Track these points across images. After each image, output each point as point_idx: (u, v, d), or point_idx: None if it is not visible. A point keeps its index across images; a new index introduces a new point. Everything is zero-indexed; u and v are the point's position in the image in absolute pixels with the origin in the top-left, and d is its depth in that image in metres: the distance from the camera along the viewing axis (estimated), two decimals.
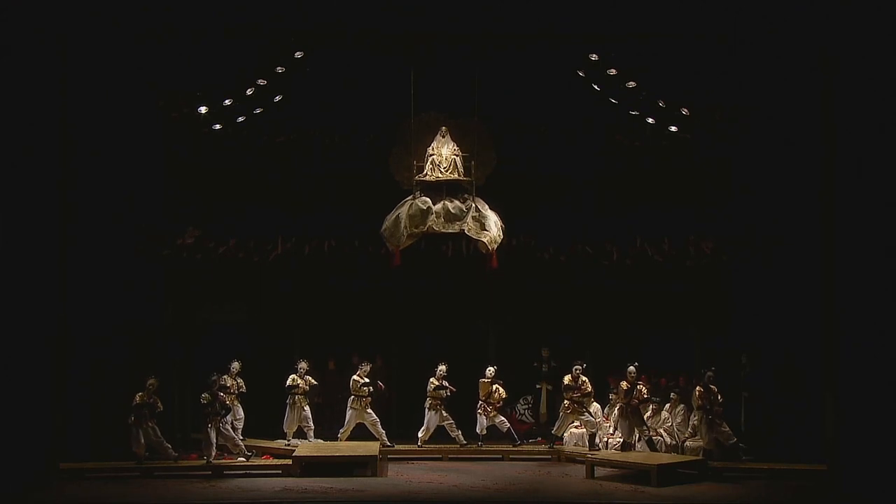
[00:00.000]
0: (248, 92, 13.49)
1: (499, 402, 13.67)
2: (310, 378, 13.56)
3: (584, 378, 13.28)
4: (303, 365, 13.51)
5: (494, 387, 13.61)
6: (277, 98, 13.91)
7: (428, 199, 13.33)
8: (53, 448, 11.50)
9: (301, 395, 13.42)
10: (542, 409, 14.47)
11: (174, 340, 14.22)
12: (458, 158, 13.38)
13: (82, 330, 12.66)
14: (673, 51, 12.84)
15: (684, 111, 13.62)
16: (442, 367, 13.63)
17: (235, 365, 13.22)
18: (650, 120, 13.93)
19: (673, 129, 13.95)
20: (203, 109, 13.50)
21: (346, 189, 14.79)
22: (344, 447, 13.14)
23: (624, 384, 12.79)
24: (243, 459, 12.51)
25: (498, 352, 14.77)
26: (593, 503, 10.80)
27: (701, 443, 12.65)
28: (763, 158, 13.69)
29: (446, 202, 13.30)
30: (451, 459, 13.29)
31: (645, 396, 12.82)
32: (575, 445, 13.39)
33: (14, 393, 10.99)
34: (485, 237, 13.22)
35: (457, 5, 11.93)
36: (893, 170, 10.85)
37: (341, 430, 13.60)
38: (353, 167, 14.77)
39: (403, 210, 13.32)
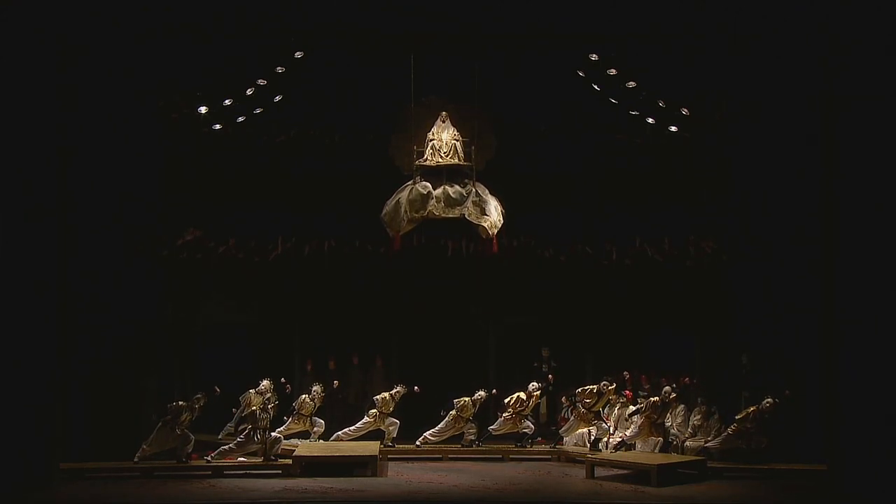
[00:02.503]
0: (248, 92, 13.52)
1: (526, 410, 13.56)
2: (322, 396, 13.43)
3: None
4: (317, 388, 13.37)
5: (532, 398, 13.44)
6: (277, 98, 13.94)
7: (428, 184, 13.38)
8: (53, 448, 11.48)
9: (307, 415, 13.34)
10: (542, 409, 14.45)
11: (174, 340, 14.21)
12: (458, 143, 13.44)
13: (82, 330, 12.66)
14: (673, 51, 12.85)
15: (684, 111, 13.64)
16: (481, 393, 13.48)
17: (265, 384, 13.06)
18: (650, 120, 13.95)
19: (673, 129, 13.98)
20: (203, 109, 13.54)
21: (346, 188, 14.79)
22: (344, 447, 13.12)
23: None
24: (244, 459, 12.50)
25: (498, 352, 14.76)
26: (593, 503, 10.80)
27: (701, 442, 12.65)
28: (763, 158, 13.70)
29: (446, 187, 13.34)
30: (451, 459, 13.26)
31: (672, 396, 12.73)
32: (575, 445, 13.37)
33: (14, 393, 10.98)
34: (485, 222, 13.24)
35: (457, 5, 11.94)
36: (894, 170, 10.84)
37: (348, 430, 13.46)
38: (354, 167, 14.78)
39: (403, 195, 13.34)
